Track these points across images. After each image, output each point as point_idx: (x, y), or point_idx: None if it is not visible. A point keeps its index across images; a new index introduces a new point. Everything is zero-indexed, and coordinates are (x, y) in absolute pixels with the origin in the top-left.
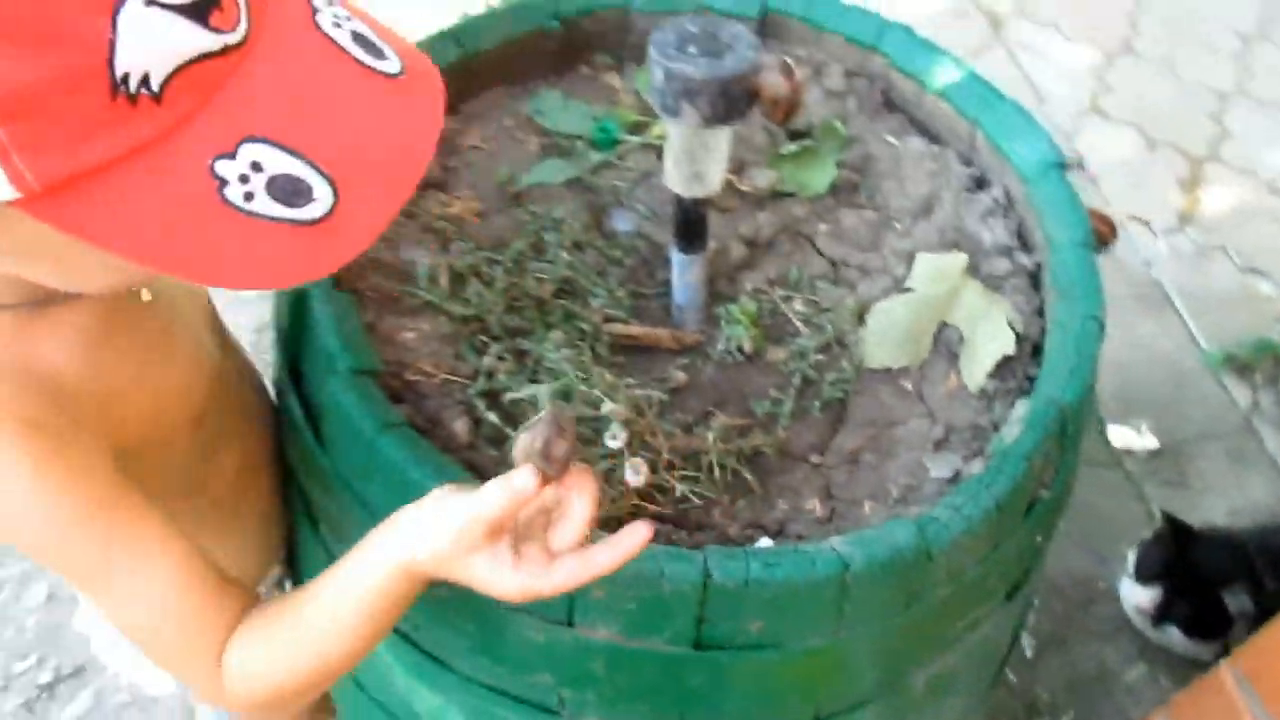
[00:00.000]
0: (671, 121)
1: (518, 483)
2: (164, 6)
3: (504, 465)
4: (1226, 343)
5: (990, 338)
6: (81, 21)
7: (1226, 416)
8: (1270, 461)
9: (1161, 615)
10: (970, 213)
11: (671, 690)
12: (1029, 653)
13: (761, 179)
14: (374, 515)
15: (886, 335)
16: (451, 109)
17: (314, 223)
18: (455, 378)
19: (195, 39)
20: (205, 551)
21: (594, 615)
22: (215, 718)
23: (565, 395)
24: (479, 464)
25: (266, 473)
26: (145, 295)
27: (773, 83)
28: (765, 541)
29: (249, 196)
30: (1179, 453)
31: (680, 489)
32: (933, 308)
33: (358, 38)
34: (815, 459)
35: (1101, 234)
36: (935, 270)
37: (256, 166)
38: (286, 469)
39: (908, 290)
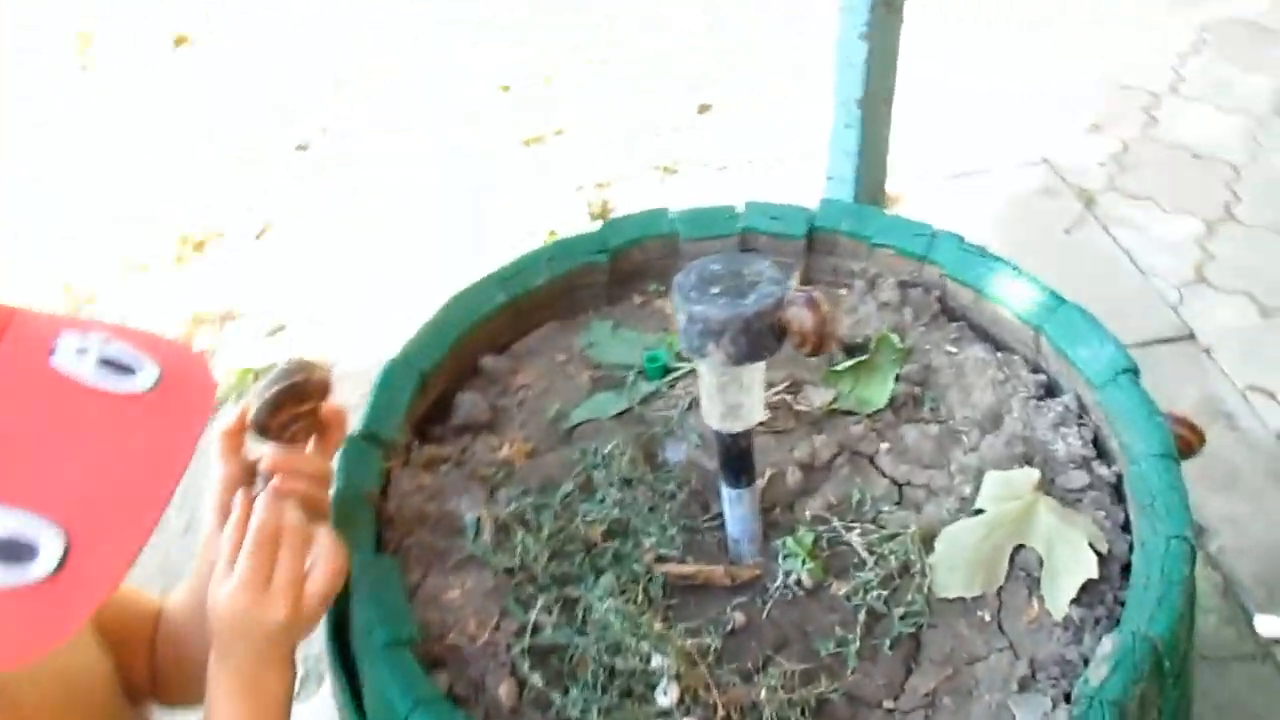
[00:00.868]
0: (700, 361)
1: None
2: None
3: None
4: None
5: (1072, 560)
6: None
7: None
8: None
9: None
10: (1040, 423)
11: None
12: None
13: (818, 397)
14: None
15: (957, 561)
16: (503, 348)
17: (40, 582)
18: (499, 636)
19: None
20: None
21: None
22: None
23: (614, 649)
24: None
25: None
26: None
27: (799, 317)
28: None
29: None
30: None
31: None
32: (1006, 529)
33: (105, 363)
34: (888, 704)
35: (1186, 441)
36: (1006, 487)
37: None
38: None
39: (978, 511)
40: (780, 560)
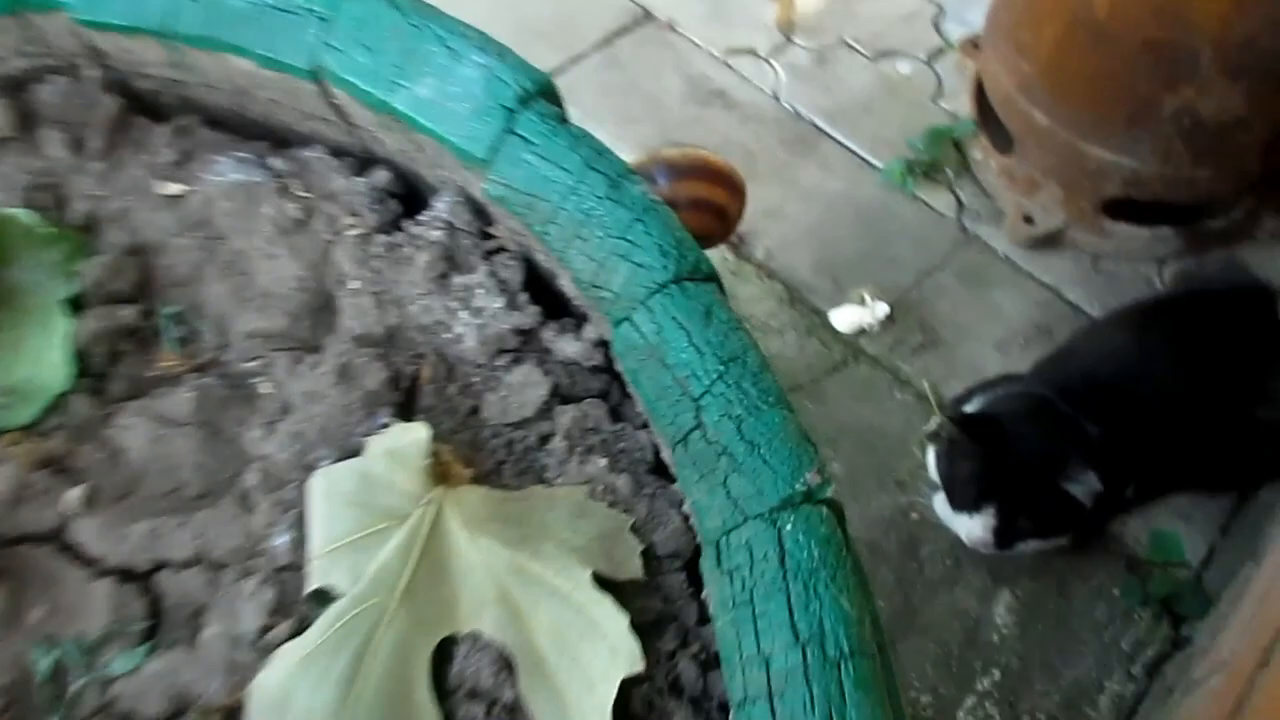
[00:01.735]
0: None
1: None
2: None
3: None
4: (899, 150)
5: (588, 651)
6: None
7: (940, 235)
8: (1007, 264)
9: (1006, 540)
10: (408, 289)
11: None
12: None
13: None
14: None
15: None
16: None
17: None
18: None
19: None
20: None
21: None
22: None
23: None
24: None
25: None
26: None
27: None
28: None
29: None
30: (914, 305)
31: None
32: (380, 635)
33: None
34: None
35: (709, 226)
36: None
37: None
38: None
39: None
40: None
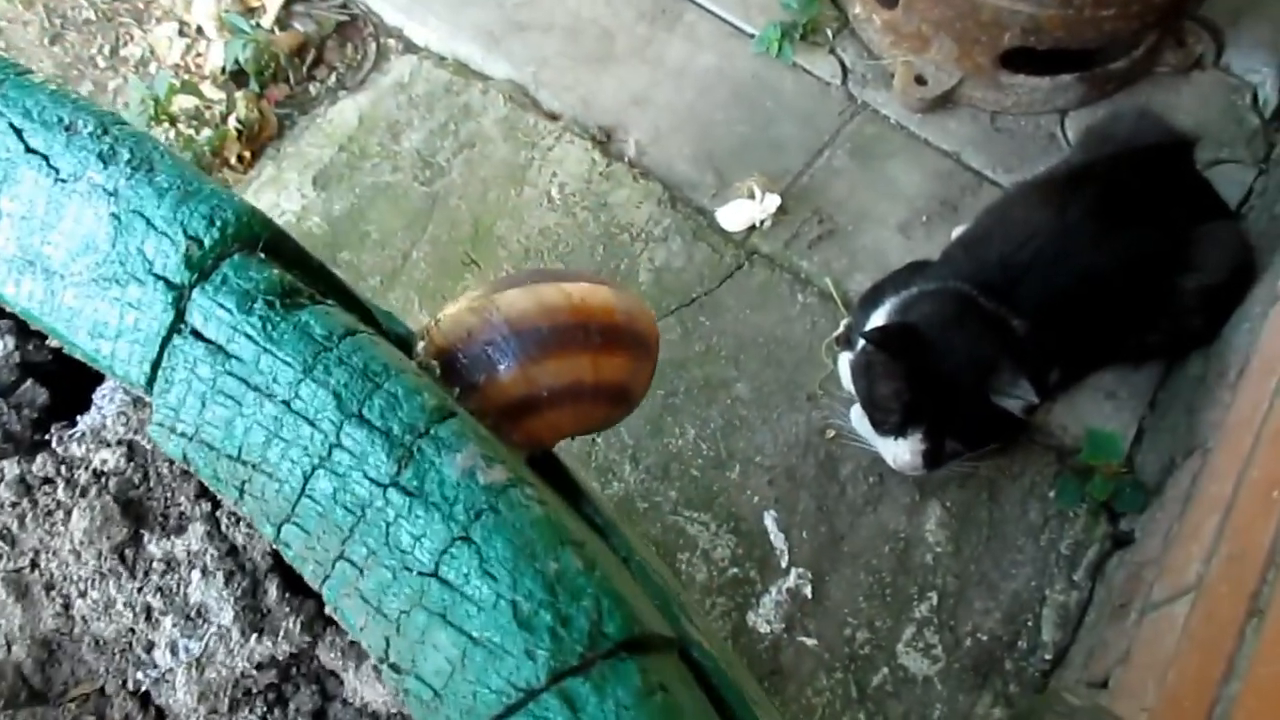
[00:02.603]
0: None
1: None
2: None
3: None
4: (772, 14)
5: None
6: None
7: (826, 108)
8: (901, 132)
9: (936, 462)
10: None
11: None
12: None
13: None
14: None
15: None
16: None
17: None
18: None
19: None
20: None
21: None
22: None
23: None
24: None
25: None
26: None
27: None
28: None
29: None
30: (806, 191)
31: None
32: None
33: None
34: None
35: None
36: None
37: None
38: None
39: None
40: None
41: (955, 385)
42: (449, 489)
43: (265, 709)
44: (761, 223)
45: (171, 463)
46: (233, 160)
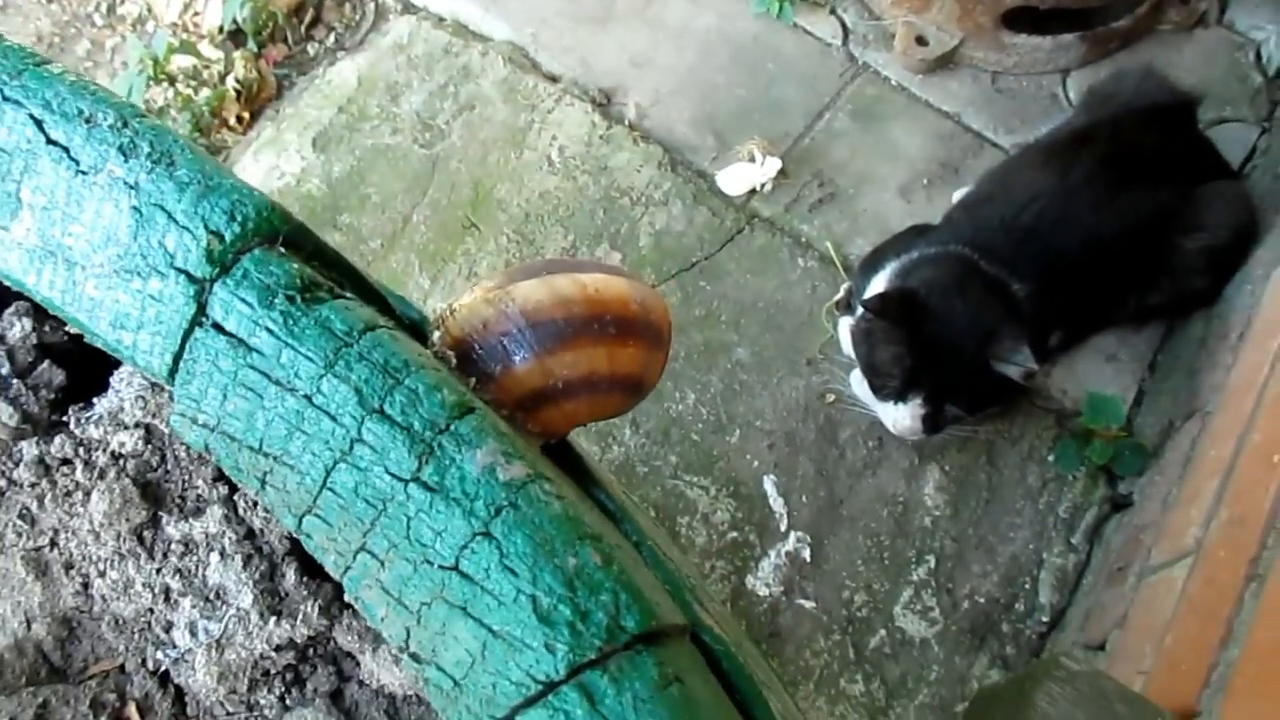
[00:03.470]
0: None
1: None
2: None
3: None
4: None
5: None
6: None
7: (827, 69)
8: (902, 93)
9: (936, 427)
10: None
11: None
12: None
13: None
14: None
15: None
16: None
17: None
18: None
19: None
20: None
21: None
22: None
23: None
24: None
25: None
26: None
27: None
28: None
29: None
30: (807, 154)
31: None
32: None
33: None
34: None
35: None
36: None
37: None
38: None
39: None
40: None
41: (956, 351)
42: (469, 485)
43: (283, 689)
44: (762, 186)
45: (189, 447)
46: (231, 121)
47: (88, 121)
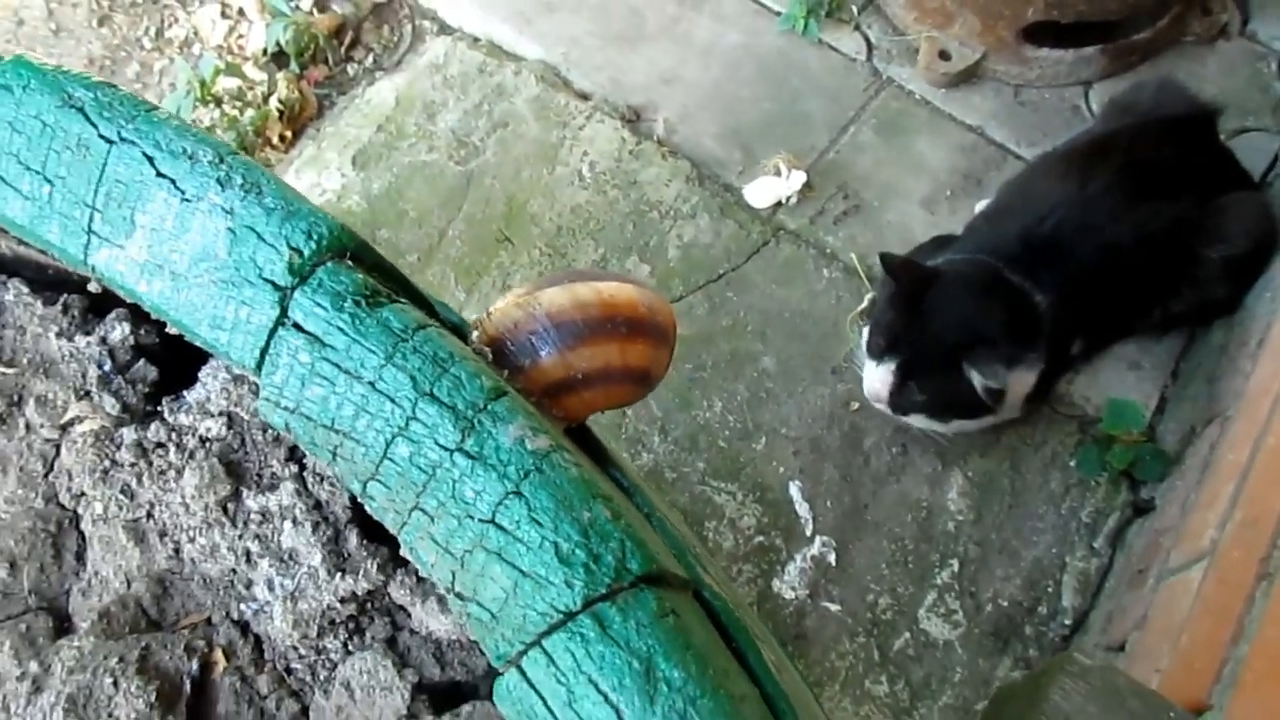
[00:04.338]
0: None
1: None
2: None
3: None
4: None
5: None
6: None
7: (851, 84)
8: (926, 107)
9: (897, 401)
10: None
11: None
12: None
13: None
14: None
15: None
16: None
17: None
18: None
19: None
20: None
21: None
22: None
23: None
24: None
25: None
26: None
27: None
28: None
29: None
30: (832, 167)
31: None
32: None
33: None
34: None
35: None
36: None
37: None
38: None
39: None
40: None
41: (938, 336)
42: (504, 453)
43: (346, 636)
44: (788, 199)
45: (265, 430)
46: (274, 140)
47: (190, 158)
